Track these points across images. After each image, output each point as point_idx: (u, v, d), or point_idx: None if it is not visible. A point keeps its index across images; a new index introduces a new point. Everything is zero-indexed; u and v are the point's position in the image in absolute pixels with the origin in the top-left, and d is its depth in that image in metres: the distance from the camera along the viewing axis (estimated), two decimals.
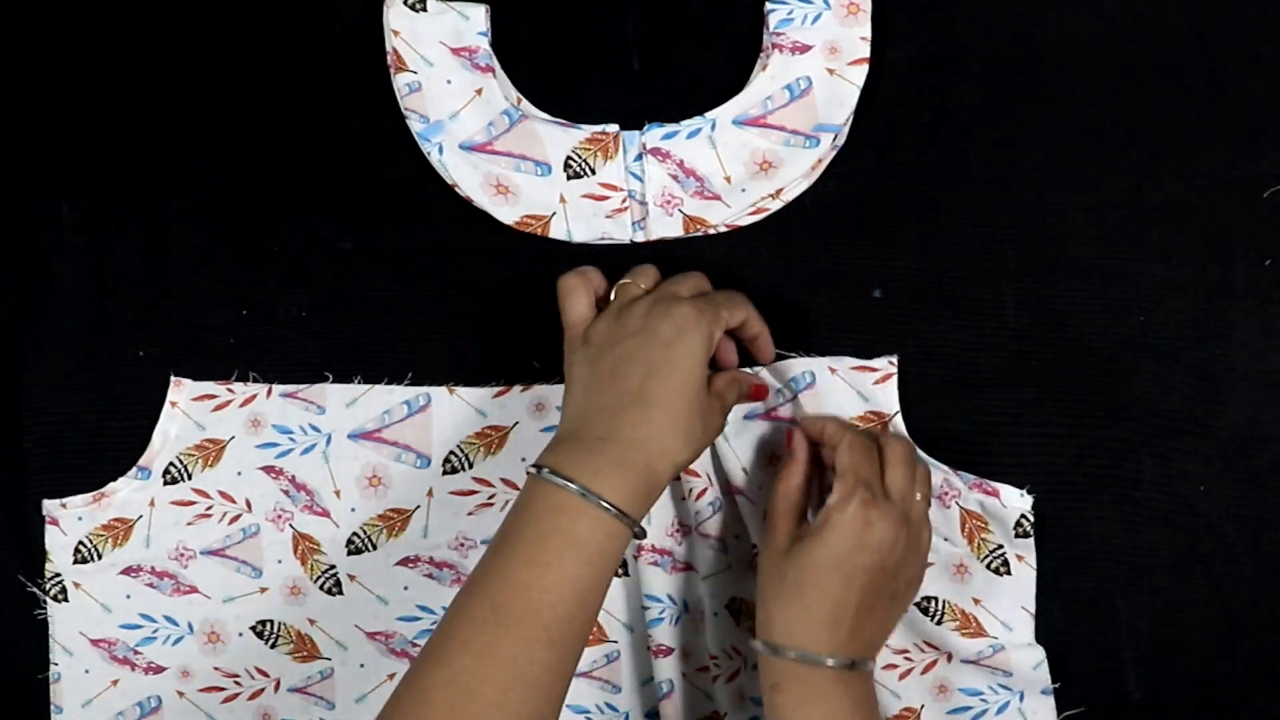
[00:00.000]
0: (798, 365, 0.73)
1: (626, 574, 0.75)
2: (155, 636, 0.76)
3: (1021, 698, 0.73)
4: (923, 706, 0.73)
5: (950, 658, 0.73)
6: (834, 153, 0.75)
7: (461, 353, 0.76)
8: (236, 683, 0.76)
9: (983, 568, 0.73)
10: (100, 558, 0.75)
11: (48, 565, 0.75)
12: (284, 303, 0.77)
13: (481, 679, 0.59)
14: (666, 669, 0.73)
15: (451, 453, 0.75)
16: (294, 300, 0.76)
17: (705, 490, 0.71)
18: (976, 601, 0.73)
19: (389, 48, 0.75)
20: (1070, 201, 0.75)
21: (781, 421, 0.73)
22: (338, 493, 0.75)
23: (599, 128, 0.75)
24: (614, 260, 0.74)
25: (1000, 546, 0.73)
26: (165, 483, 0.75)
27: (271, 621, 0.76)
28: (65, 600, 0.75)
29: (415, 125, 0.75)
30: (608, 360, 0.66)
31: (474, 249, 0.76)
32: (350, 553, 0.76)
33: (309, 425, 0.75)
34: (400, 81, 0.75)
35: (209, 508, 0.75)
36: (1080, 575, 0.74)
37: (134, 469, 0.75)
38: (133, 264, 0.77)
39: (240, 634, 0.76)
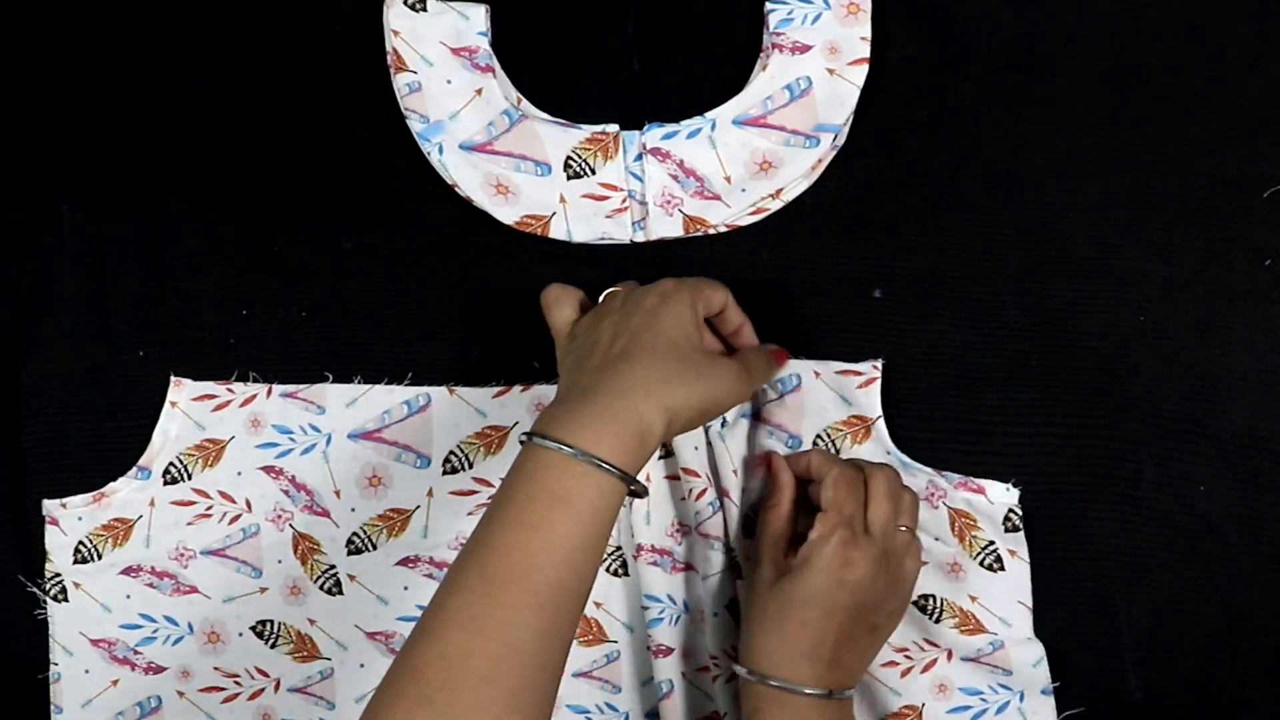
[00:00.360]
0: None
1: (626, 574, 0.75)
2: (155, 636, 0.76)
3: (1021, 698, 0.73)
4: (924, 705, 0.73)
5: (950, 655, 0.73)
6: (834, 153, 0.75)
7: (461, 353, 0.76)
8: (236, 683, 0.76)
9: (976, 565, 0.73)
10: (100, 558, 0.75)
11: (48, 565, 0.75)
12: (284, 303, 0.77)
13: (471, 651, 0.57)
14: (666, 669, 0.73)
15: (451, 453, 0.75)
16: (294, 300, 0.76)
17: (705, 490, 0.71)
18: (973, 599, 0.73)
19: (389, 48, 0.75)
20: (1070, 201, 0.75)
21: (769, 425, 0.73)
22: (338, 493, 0.75)
23: (599, 128, 0.75)
24: (614, 260, 0.74)
25: (991, 543, 0.73)
26: (165, 483, 0.75)
27: (271, 621, 0.76)
28: (65, 600, 0.75)
29: (415, 125, 0.75)
30: (592, 336, 0.66)
31: (474, 249, 0.76)
32: (350, 553, 0.76)
33: (309, 425, 0.75)
34: (400, 81, 0.75)
35: (209, 508, 0.75)
36: (1080, 575, 0.74)
37: (134, 469, 0.75)
38: (133, 264, 0.77)
39: (240, 634, 0.76)
